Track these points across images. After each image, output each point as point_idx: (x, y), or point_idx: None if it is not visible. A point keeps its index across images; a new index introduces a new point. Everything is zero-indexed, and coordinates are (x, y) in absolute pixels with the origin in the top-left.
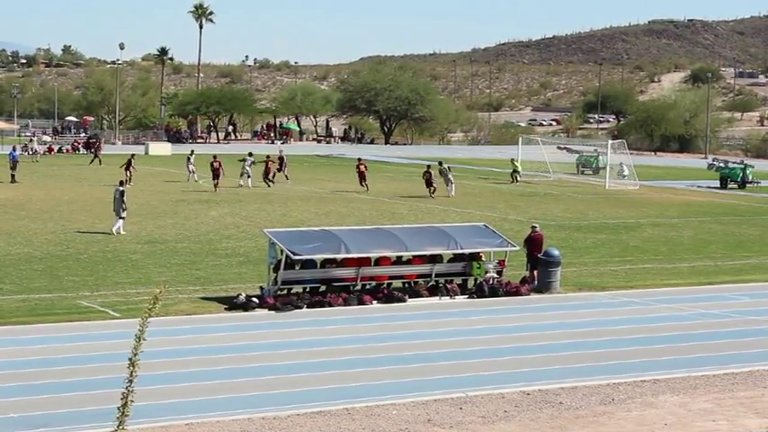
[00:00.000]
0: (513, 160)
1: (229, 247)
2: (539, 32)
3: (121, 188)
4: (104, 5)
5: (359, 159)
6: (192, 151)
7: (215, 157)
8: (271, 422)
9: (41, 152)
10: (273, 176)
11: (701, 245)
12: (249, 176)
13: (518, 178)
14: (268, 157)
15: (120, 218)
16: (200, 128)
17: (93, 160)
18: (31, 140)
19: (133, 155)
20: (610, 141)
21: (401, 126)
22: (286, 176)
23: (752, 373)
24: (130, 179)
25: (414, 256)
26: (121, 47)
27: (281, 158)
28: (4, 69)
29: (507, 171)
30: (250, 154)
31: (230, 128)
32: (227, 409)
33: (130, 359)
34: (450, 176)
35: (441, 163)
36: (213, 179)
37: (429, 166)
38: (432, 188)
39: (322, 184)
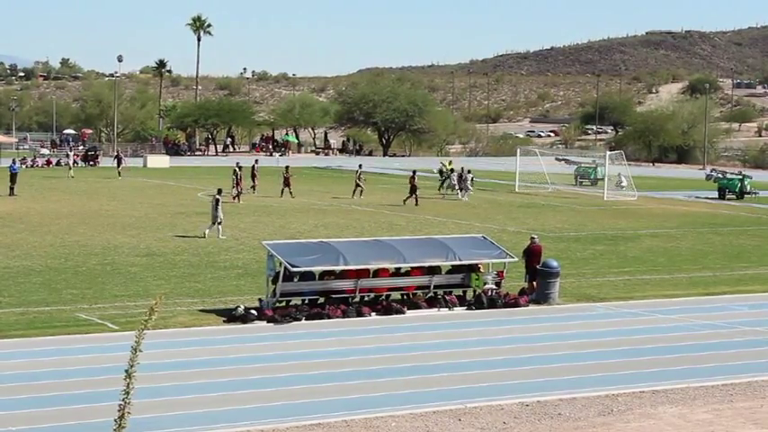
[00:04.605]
0: (450, 162)
1: (228, 260)
2: (536, 44)
3: (218, 196)
4: (102, 18)
5: (287, 168)
6: (237, 163)
7: (238, 164)
8: None
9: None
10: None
11: (700, 256)
12: (460, 189)
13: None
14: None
15: (214, 224)
16: (199, 140)
17: (118, 169)
18: (67, 155)
19: (287, 167)
20: (608, 152)
21: (399, 138)
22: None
23: (751, 383)
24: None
25: (412, 268)
26: (120, 59)
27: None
28: (3, 82)
29: (508, 183)
30: (455, 169)
31: (228, 140)
32: (226, 421)
33: (127, 371)
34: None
35: (414, 172)
36: (235, 188)
37: (414, 173)
38: (414, 196)
39: (320, 195)
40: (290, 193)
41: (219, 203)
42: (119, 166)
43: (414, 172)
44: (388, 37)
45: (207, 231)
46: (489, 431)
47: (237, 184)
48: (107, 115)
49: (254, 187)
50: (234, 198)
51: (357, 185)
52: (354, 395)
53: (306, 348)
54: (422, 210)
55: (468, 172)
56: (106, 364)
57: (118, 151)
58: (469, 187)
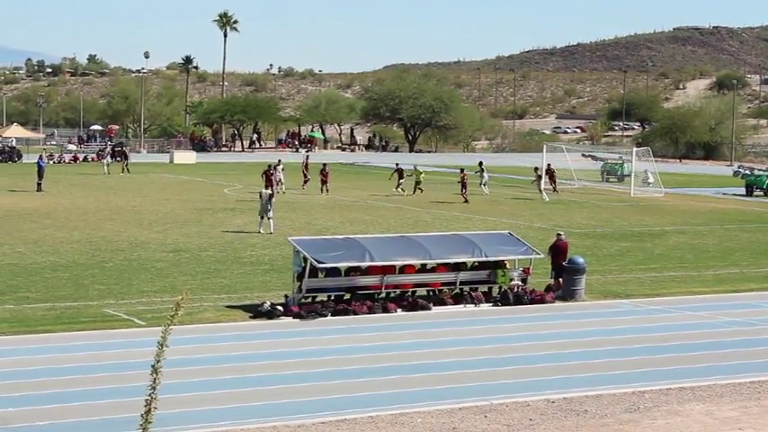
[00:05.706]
0: (416, 167)
1: (254, 256)
2: (563, 40)
3: (269, 191)
4: (129, 15)
5: (324, 165)
6: (280, 161)
7: (270, 165)
8: (295, 430)
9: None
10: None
11: (727, 252)
12: (550, 189)
13: (421, 189)
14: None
15: (268, 218)
16: (225, 136)
17: (123, 170)
18: (102, 151)
19: (325, 164)
20: (634, 149)
21: (425, 134)
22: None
23: None
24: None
25: (438, 264)
26: (146, 56)
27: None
28: (31, 79)
29: (531, 179)
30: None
31: (255, 136)
32: (253, 416)
33: (153, 366)
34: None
35: (462, 170)
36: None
37: (463, 170)
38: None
39: (346, 192)
40: (326, 189)
41: (272, 199)
42: (126, 163)
43: (462, 170)
44: (414, 33)
45: (270, 226)
46: (515, 428)
47: (269, 181)
48: (134, 111)
49: (305, 182)
50: (279, 191)
51: (417, 183)
52: (380, 391)
53: (332, 344)
54: (448, 206)
55: (537, 169)
56: (133, 359)
57: (123, 146)
58: (542, 186)
